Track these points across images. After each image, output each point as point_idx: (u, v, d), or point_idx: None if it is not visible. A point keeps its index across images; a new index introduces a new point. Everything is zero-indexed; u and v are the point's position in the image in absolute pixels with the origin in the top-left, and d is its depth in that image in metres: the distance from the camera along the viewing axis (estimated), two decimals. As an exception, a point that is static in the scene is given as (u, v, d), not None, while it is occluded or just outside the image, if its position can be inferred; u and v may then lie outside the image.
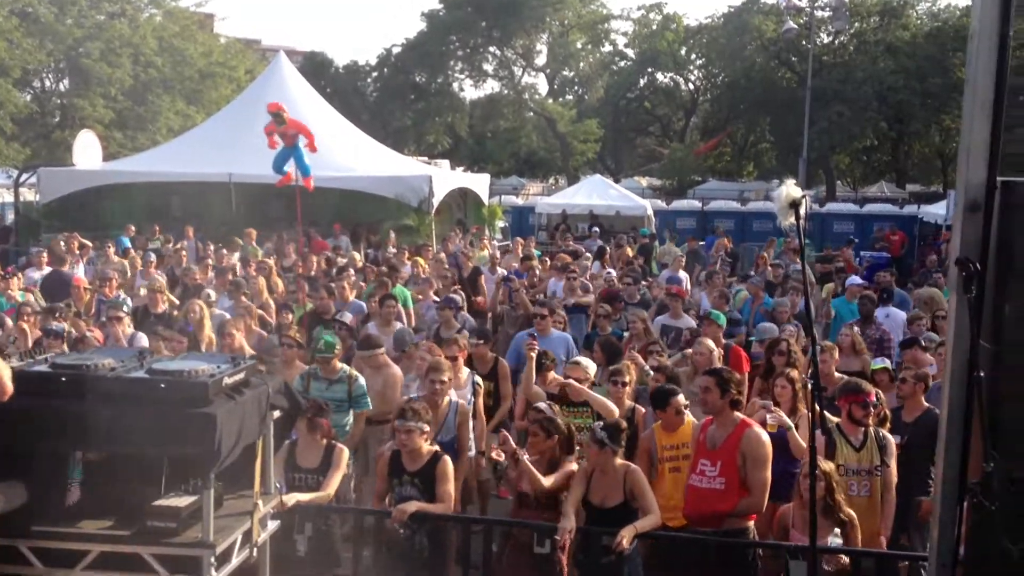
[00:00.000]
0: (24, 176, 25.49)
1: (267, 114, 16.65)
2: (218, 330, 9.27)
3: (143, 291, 12.24)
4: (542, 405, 6.55)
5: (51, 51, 36.87)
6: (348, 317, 10.15)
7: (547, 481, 5.97)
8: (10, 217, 25.28)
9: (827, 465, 5.88)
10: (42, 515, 3.80)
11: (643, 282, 14.14)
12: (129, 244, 17.58)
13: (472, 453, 7.58)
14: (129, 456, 3.76)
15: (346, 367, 7.86)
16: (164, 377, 3.68)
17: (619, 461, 5.98)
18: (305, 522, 6.01)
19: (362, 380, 7.72)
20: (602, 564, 5.77)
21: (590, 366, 7.51)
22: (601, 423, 6.25)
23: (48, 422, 3.64)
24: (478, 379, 8.08)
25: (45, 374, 3.74)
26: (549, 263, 15.50)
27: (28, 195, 25.26)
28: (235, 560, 3.92)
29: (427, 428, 6.14)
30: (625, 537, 5.57)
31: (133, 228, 19.13)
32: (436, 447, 6.27)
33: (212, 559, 3.70)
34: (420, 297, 12.02)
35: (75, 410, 3.64)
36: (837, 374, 7.85)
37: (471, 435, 7.54)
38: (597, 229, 22.31)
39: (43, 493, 3.90)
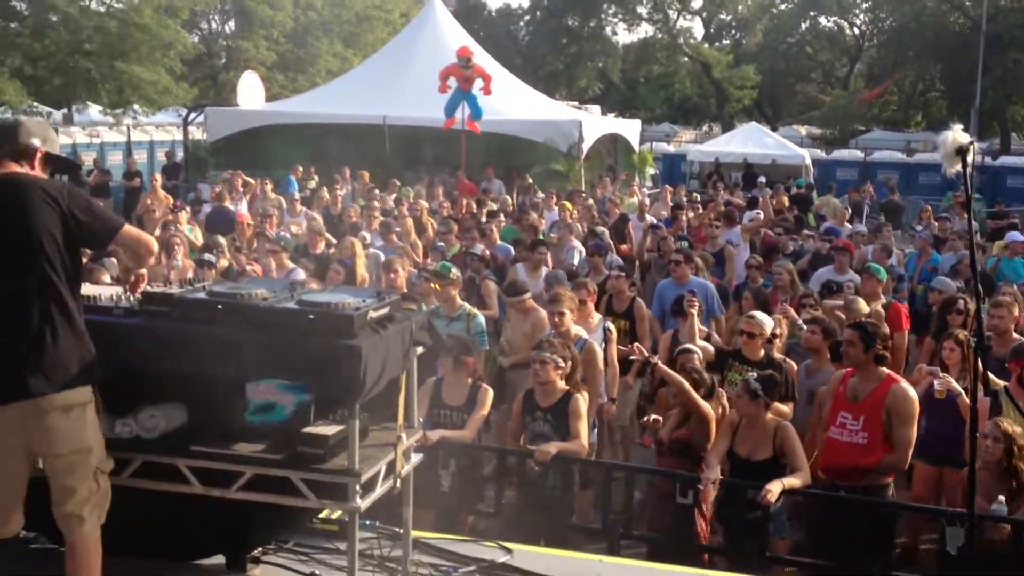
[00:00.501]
0: (192, 115, 26.55)
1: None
2: (379, 267, 9.51)
3: (294, 228, 12.62)
4: (693, 352, 6.47)
5: (218, -8, 38.06)
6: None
7: (686, 384, 6.01)
8: (180, 154, 26.42)
9: (1012, 427, 5.54)
10: (200, 436, 3.95)
11: (797, 235, 13.71)
12: (296, 185, 18.02)
13: (604, 400, 7.51)
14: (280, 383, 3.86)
15: (466, 305, 7.90)
16: (313, 308, 3.75)
17: (770, 415, 5.86)
18: (449, 458, 6.10)
19: (481, 318, 7.75)
20: (747, 519, 5.66)
21: (766, 321, 7.05)
22: (755, 374, 6.13)
23: (205, 347, 3.77)
24: (610, 325, 7.96)
25: (202, 300, 3.86)
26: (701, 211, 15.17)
27: (196, 134, 26.32)
28: (379, 489, 4.00)
29: (562, 364, 6.12)
30: (772, 491, 5.44)
31: (300, 169, 19.59)
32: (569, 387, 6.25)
33: (357, 487, 3.78)
34: (555, 239, 11.92)
35: (229, 336, 3.75)
36: (1016, 336, 7.36)
37: (602, 380, 7.44)
38: (763, 179, 21.59)
39: (201, 415, 4.05)
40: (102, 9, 32.91)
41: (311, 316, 3.73)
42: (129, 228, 3.90)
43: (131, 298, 4.02)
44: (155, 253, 3.98)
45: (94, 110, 35.79)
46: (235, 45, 39.93)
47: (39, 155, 3.78)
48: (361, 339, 3.71)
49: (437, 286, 7.75)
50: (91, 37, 31.13)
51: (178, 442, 3.97)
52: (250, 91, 24.64)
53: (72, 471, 3.72)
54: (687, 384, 6.13)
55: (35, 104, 31.65)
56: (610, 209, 15.16)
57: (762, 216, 13.63)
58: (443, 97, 15.65)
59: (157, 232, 12.17)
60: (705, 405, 6.13)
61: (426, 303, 7.92)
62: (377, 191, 16.62)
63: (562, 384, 6.17)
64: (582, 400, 6.16)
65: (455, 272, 7.93)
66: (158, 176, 18.97)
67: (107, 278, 5.26)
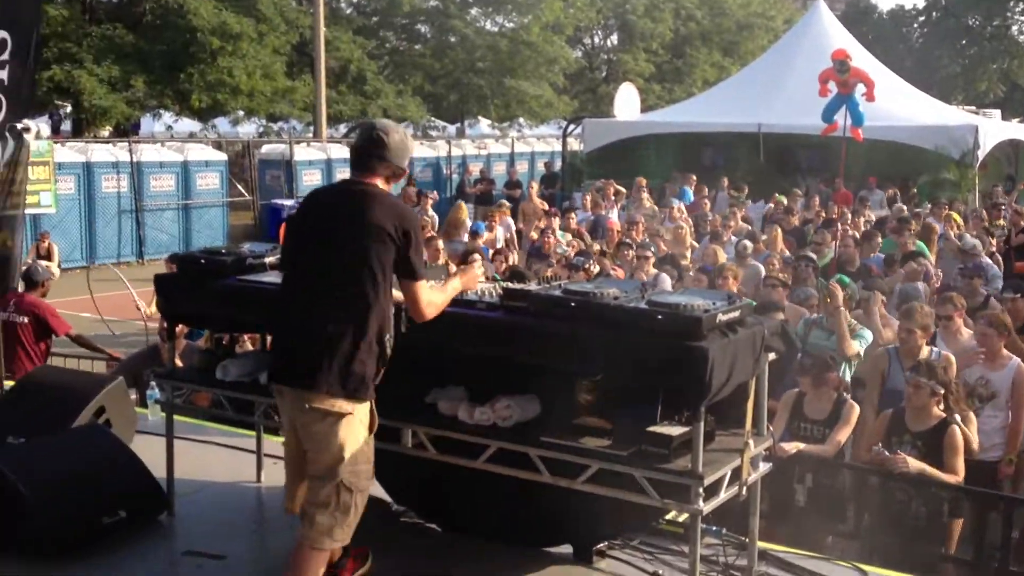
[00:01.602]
0: (571, 127, 27.63)
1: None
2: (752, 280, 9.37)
3: (667, 236, 12.71)
4: None
5: (601, 8, 39.28)
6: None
7: None
8: (558, 164, 27.58)
9: None
10: (550, 428, 4.09)
11: None
12: (690, 195, 18.13)
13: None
14: (627, 381, 3.91)
15: (853, 321, 7.51)
16: (662, 309, 3.76)
17: None
18: (806, 472, 5.87)
19: (867, 334, 7.33)
20: None
21: None
22: None
23: (557, 342, 3.91)
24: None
25: (557, 298, 4.00)
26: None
27: (574, 144, 27.35)
28: (723, 495, 3.93)
29: (941, 390, 5.68)
30: None
31: (694, 178, 19.71)
32: (945, 413, 5.77)
33: (700, 489, 3.74)
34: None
35: (580, 333, 3.86)
36: None
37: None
38: None
39: (551, 407, 4.20)
40: (495, 29, 35.11)
41: (659, 316, 3.74)
42: (421, 287, 3.88)
43: (494, 293, 4.24)
44: (426, 319, 3.94)
45: (484, 124, 38.27)
46: (615, 58, 41.06)
47: (392, 168, 3.95)
48: (709, 341, 3.67)
49: (828, 298, 7.45)
50: (484, 56, 33.35)
51: (530, 432, 4.13)
52: (627, 102, 25.21)
53: (317, 472, 3.83)
54: None
55: (433, 119, 34.40)
56: (1015, 220, 13.89)
57: None
58: (820, 103, 15.10)
59: (533, 235, 12.83)
60: None
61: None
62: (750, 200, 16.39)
63: (938, 410, 5.74)
64: (959, 432, 5.67)
65: (853, 287, 7.62)
66: (535, 184, 19.89)
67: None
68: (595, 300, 3.92)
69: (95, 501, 4.70)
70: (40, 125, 6.49)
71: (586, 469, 3.96)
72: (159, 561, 4.72)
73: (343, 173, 25.54)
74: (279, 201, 23.54)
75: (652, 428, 3.91)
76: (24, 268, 8.26)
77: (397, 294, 3.93)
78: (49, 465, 4.75)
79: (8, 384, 6.82)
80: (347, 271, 3.77)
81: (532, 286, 4.24)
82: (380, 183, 3.91)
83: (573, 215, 14.80)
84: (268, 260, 4.95)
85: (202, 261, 4.90)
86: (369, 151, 3.91)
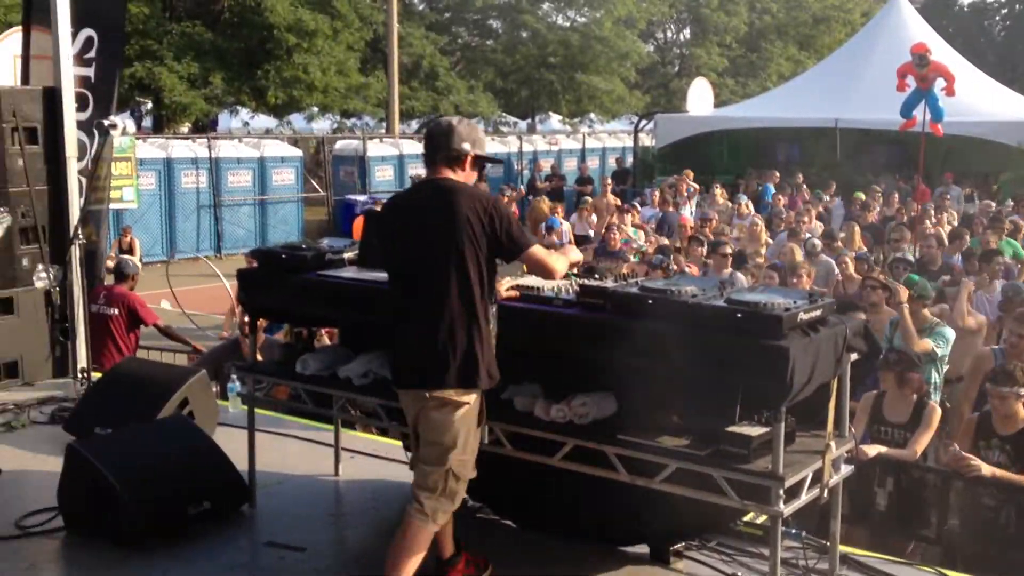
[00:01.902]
0: (643, 123, 27.50)
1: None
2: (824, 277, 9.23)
3: (735, 232, 12.60)
4: None
5: (673, 2, 38.96)
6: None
7: None
8: (629, 160, 27.46)
9: None
10: (628, 426, 4.08)
11: None
12: (772, 192, 17.93)
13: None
14: (706, 380, 3.88)
15: (935, 319, 7.36)
16: (741, 307, 3.72)
17: None
18: (887, 476, 5.77)
19: (948, 333, 7.16)
20: None
21: None
22: None
23: (634, 340, 3.89)
24: None
25: (634, 295, 3.99)
26: None
27: (645, 140, 27.21)
28: (804, 497, 3.89)
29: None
30: None
31: (778, 175, 19.47)
32: None
33: (780, 491, 3.70)
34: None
35: (658, 331, 3.84)
36: None
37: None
38: None
39: (630, 406, 4.19)
40: (566, 24, 35.04)
41: (739, 315, 3.71)
42: (537, 250, 4.02)
43: (570, 290, 4.24)
44: (560, 277, 4.07)
45: (555, 119, 38.23)
46: (688, 52, 40.70)
47: (469, 158, 4.03)
48: (790, 340, 3.62)
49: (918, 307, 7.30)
50: (555, 51, 33.28)
51: (607, 430, 4.12)
52: (700, 97, 25.03)
53: (428, 459, 3.93)
54: None
55: (503, 115, 34.45)
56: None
57: None
58: (899, 98, 14.81)
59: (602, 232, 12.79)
60: None
61: (874, 314, 7.52)
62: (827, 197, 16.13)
63: None
64: None
65: (925, 284, 7.47)
66: (609, 180, 19.82)
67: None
68: (673, 298, 3.90)
69: (181, 491, 4.81)
70: (126, 121, 6.66)
71: (664, 468, 3.94)
72: (242, 551, 4.80)
73: (415, 168, 25.76)
74: (352, 196, 23.79)
75: (731, 428, 3.87)
76: (114, 262, 8.47)
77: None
78: (137, 456, 4.87)
79: (96, 375, 7.02)
80: (446, 268, 3.83)
81: (609, 283, 4.23)
82: (448, 172, 3.98)
83: (635, 211, 14.70)
84: (347, 255, 5.01)
85: (283, 256, 4.97)
86: (437, 146, 4.00)
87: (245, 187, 22.78)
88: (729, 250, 9.89)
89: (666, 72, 41.39)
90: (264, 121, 33.07)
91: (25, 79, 7.83)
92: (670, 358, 3.87)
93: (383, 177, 25.18)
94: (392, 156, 25.80)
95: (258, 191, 23.00)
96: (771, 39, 40.44)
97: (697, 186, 18.23)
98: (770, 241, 12.18)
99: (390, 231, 4.07)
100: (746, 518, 4.74)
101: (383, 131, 29.48)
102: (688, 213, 15.94)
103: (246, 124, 32.45)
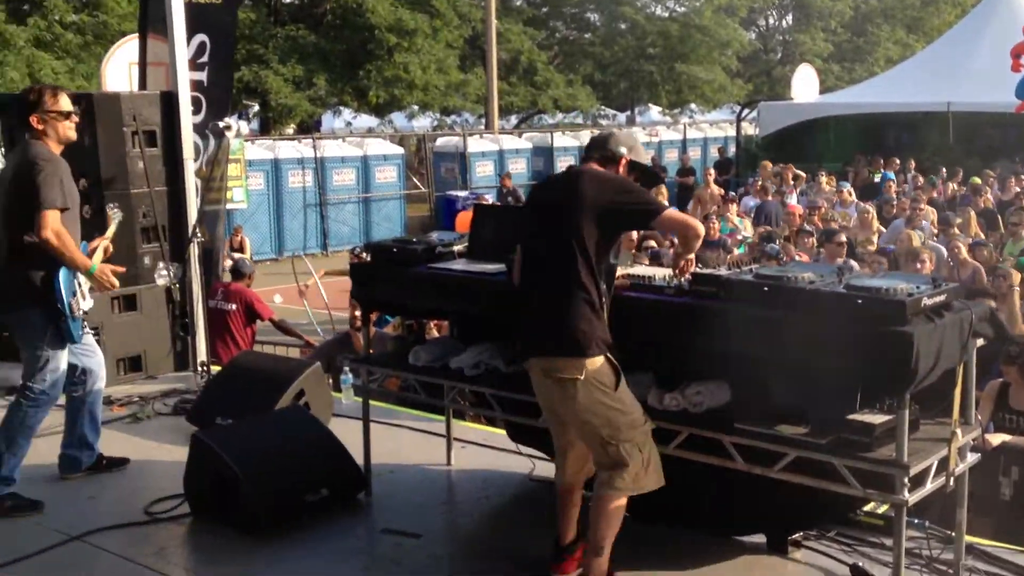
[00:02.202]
0: (745, 111, 27.08)
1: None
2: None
3: (841, 221, 12.32)
4: None
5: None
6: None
7: None
8: (731, 150, 27.07)
9: None
10: (743, 414, 4.03)
11: None
12: (892, 177, 17.51)
13: None
14: (825, 368, 3.81)
15: None
16: (861, 293, 3.64)
17: None
18: (1012, 465, 5.59)
19: None
20: None
21: None
22: None
23: (749, 328, 3.84)
24: None
25: (749, 282, 3.94)
26: None
27: (748, 129, 26.80)
28: (929, 485, 3.79)
29: None
30: None
31: (898, 162, 19.03)
32: None
33: (905, 480, 3.61)
34: None
35: (774, 318, 3.78)
36: None
37: None
38: None
39: (745, 394, 4.14)
40: (665, 14, 34.72)
41: (859, 301, 3.63)
42: (672, 212, 4.09)
43: (682, 279, 4.21)
44: (701, 236, 4.05)
45: (654, 111, 37.92)
46: (791, 39, 39.91)
47: (623, 161, 4.08)
48: (913, 326, 3.53)
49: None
50: (654, 42, 33.03)
51: (722, 418, 4.08)
52: (804, 84, 24.52)
53: (591, 437, 3.97)
54: None
55: (602, 108, 34.33)
56: None
57: None
58: (1013, 79, 14.32)
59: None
60: None
61: (1002, 303, 7.28)
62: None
63: None
64: None
65: None
66: (712, 171, 19.59)
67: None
68: (789, 284, 3.83)
69: (300, 479, 4.93)
70: (240, 123, 6.84)
71: (783, 457, 3.89)
72: (359, 538, 4.90)
73: (515, 164, 25.87)
74: (453, 192, 24.02)
75: (852, 416, 3.80)
76: (231, 262, 8.74)
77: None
78: (257, 445, 5.01)
79: (215, 368, 7.24)
80: (568, 242, 3.87)
81: (723, 271, 4.19)
82: (596, 166, 4.07)
83: (734, 203, 14.49)
84: (456, 248, 5.07)
85: (394, 250, 5.06)
86: (594, 146, 4.14)
87: (349, 185, 23.19)
88: (844, 238, 9.69)
89: (768, 59, 40.66)
90: (366, 120, 33.59)
91: (143, 84, 8.12)
92: (787, 346, 3.81)
93: (483, 173, 25.36)
94: (492, 152, 25.94)
95: (362, 189, 23.39)
96: (877, 23, 39.38)
97: (803, 174, 17.89)
98: (882, 229, 11.88)
99: (528, 211, 4.25)
100: (866, 507, 4.64)
101: (482, 127, 29.67)
102: (793, 201, 15.65)
103: (349, 124, 33.01)
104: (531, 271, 4.05)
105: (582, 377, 3.85)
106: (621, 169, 4.07)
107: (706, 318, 3.98)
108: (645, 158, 4.25)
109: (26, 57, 20.40)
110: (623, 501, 3.98)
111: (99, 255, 5.35)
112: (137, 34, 9.51)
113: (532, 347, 4.01)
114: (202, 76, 8.10)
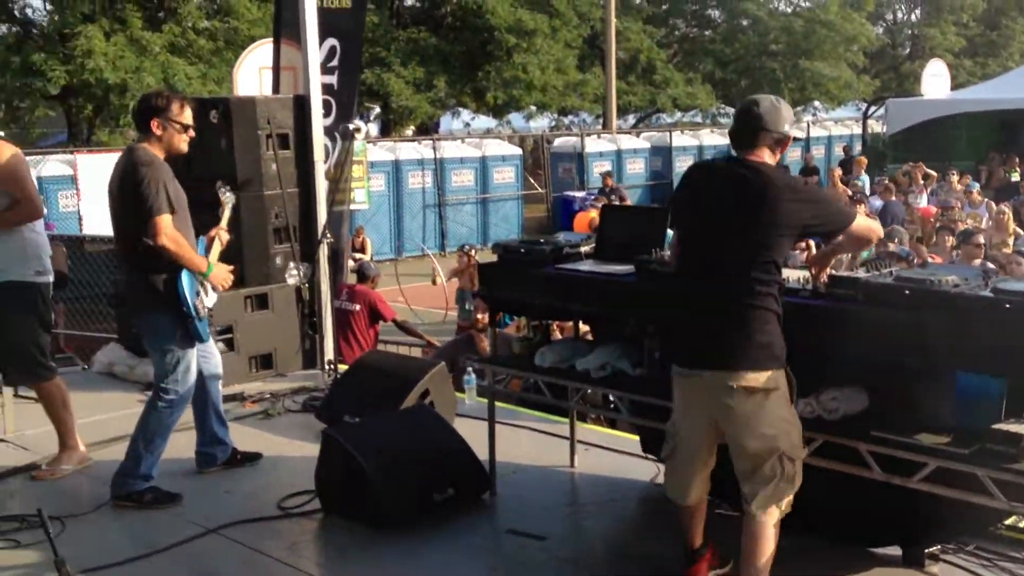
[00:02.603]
0: (872, 108, 26.33)
1: None
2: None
3: (971, 221, 11.88)
4: None
5: (904, -18, 37.13)
6: None
7: None
8: (857, 148, 26.35)
9: None
10: (880, 422, 3.91)
11: None
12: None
13: None
14: (968, 376, 3.67)
15: None
16: (1010, 297, 3.50)
17: None
18: None
19: None
20: None
21: None
22: None
23: (889, 332, 3.73)
24: None
25: (889, 285, 3.82)
26: None
27: (875, 127, 26.04)
28: (1081, 501, 3.61)
29: None
30: None
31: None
32: None
33: (1053, 494, 3.46)
34: None
35: (915, 322, 3.66)
36: None
37: None
38: None
39: (883, 401, 4.02)
40: (789, 10, 34.02)
41: (1008, 305, 3.49)
42: (861, 221, 3.93)
43: (819, 281, 4.11)
44: (879, 238, 3.96)
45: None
46: (920, 33, 38.66)
47: (787, 142, 3.91)
48: (1065, 332, 3.37)
49: None
50: (777, 38, 32.40)
51: (859, 426, 3.97)
52: (935, 80, 23.72)
53: (754, 451, 3.80)
54: None
55: (722, 106, 33.86)
56: None
57: None
58: None
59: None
60: None
61: None
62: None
63: None
64: None
65: None
66: (837, 170, 19.11)
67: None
68: (933, 288, 3.70)
69: (427, 478, 4.99)
70: (368, 125, 6.97)
71: (923, 467, 3.76)
72: (485, 537, 4.94)
73: (633, 164, 25.73)
74: (571, 193, 24.02)
75: (997, 425, 3.65)
76: (356, 264, 8.92)
77: None
78: (387, 443, 5.09)
79: (342, 367, 7.40)
80: (754, 256, 3.73)
81: (861, 273, 4.07)
82: (767, 156, 3.85)
83: (861, 203, 14.04)
84: (583, 249, 5.06)
85: (522, 250, 5.07)
86: (744, 126, 3.87)
87: (468, 186, 23.42)
88: (982, 240, 9.34)
89: (896, 55, 39.49)
90: (483, 121, 33.87)
91: (275, 88, 8.35)
92: (929, 352, 3.69)
93: (601, 173, 25.30)
94: (610, 152, 25.85)
95: (480, 190, 23.58)
96: (1012, 16, 37.85)
97: (934, 173, 17.31)
98: (1019, 231, 11.40)
99: (692, 207, 3.99)
100: (1008, 521, 4.45)
101: (600, 127, 29.57)
102: (924, 203, 15.16)
103: (467, 125, 33.32)
104: (704, 278, 3.85)
105: (771, 389, 3.76)
106: (779, 151, 3.89)
107: (844, 322, 3.89)
108: (781, 115, 3.89)
109: (161, 63, 21.17)
110: (777, 522, 3.89)
111: (215, 251, 5.41)
112: (267, 40, 9.81)
113: (706, 358, 3.83)
114: (332, 80, 8.28)
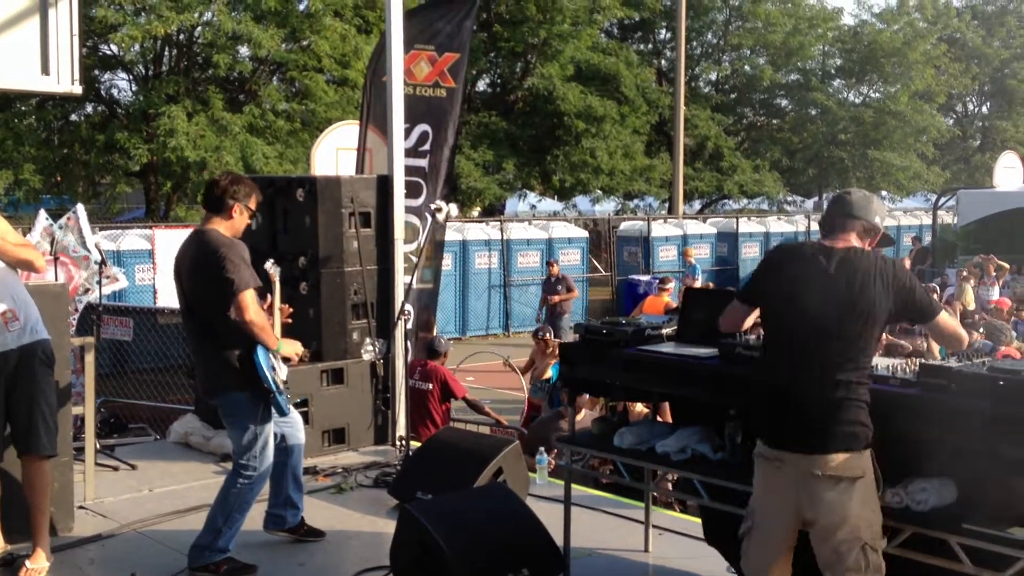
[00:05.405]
0: (943, 199, 26.10)
1: None
2: None
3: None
4: None
5: (976, 75, 37.02)
6: None
7: None
8: (927, 239, 26.08)
9: None
10: (971, 515, 3.84)
11: None
12: None
13: None
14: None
15: None
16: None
17: None
18: None
19: None
20: None
21: None
22: None
23: (982, 423, 3.68)
24: None
25: (983, 375, 3.78)
26: None
27: (946, 218, 25.79)
28: None
29: None
30: None
31: None
32: None
33: None
34: None
35: (1008, 414, 3.61)
36: None
37: None
38: None
39: (973, 493, 3.94)
40: (858, 100, 34.07)
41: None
42: (944, 318, 3.96)
43: (908, 369, 4.08)
44: (965, 344, 4.00)
45: (844, 198, 36.94)
46: (990, 125, 38.42)
47: (878, 236, 3.99)
48: None
49: None
50: (846, 127, 32.40)
51: (949, 518, 3.89)
52: (1008, 172, 23.55)
53: (841, 538, 3.77)
54: None
55: (790, 194, 33.81)
56: None
57: None
58: None
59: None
60: None
61: None
62: None
63: None
64: None
65: None
66: (907, 260, 18.91)
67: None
68: (1026, 379, 3.66)
69: (502, 556, 4.95)
70: (451, 206, 7.12)
71: (1015, 562, 3.67)
72: (559, 620, 4.89)
73: (699, 249, 25.70)
74: (636, 276, 24.01)
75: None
76: (427, 339, 9.00)
77: None
78: (463, 520, 5.08)
79: (414, 444, 7.42)
80: (849, 339, 3.80)
81: (952, 362, 4.03)
82: (854, 240, 3.93)
83: (934, 293, 13.91)
84: (665, 331, 5.08)
85: (604, 331, 5.10)
86: (834, 212, 3.98)
87: (533, 267, 23.54)
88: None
89: (967, 146, 39.23)
90: (549, 204, 34.16)
91: (360, 169, 8.59)
92: (1022, 443, 3.62)
93: (666, 257, 25.31)
94: (676, 236, 25.88)
95: (546, 271, 23.66)
96: (1086, 109, 37.54)
97: (1007, 265, 17.07)
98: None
99: (781, 288, 3.98)
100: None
101: (666, 211, 29.67)
102: (995, 295, 14.95)
103: (533, 207, 33.65)
104: (798, 360, 3.86)
105: (857, 477, 3.76)
106: (872, 241, 3.96)
107: (935, 411, 3.84)
108: (871, 206, 4.02)
109: (240, 142, 21.77)
110: None
111: (278, 326, 5.45)
112: (343, 122, 10.15)
113: (799, 442, 3.83)
114: (423, 163, 8.53)
